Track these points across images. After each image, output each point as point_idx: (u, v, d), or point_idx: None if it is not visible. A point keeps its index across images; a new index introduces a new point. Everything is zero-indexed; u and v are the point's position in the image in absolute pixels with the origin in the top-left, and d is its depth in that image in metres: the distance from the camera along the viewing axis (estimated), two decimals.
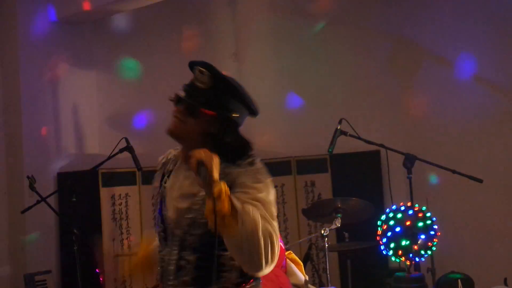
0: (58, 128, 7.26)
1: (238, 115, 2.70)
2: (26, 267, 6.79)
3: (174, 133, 2.71)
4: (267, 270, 2.54)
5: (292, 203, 7.10)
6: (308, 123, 7.20)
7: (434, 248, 5.07)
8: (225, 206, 2.41)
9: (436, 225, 5.08)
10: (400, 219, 5.07)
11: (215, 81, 2.67)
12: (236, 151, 2.69)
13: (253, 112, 2.78)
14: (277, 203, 6.91)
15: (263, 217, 2.49)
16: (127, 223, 6.95)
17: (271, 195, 2.62)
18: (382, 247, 5.14)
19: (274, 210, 2.59)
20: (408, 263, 4.99)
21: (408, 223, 5.03)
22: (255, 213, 2.47)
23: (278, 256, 2.56)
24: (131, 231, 6.96)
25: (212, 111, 2.66)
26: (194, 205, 2.65)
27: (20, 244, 6.90)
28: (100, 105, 7.60)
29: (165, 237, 2.76)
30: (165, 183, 2.81)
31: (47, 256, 6.96)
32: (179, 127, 2.69)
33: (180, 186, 2.73)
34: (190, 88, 2.69)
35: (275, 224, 2.55)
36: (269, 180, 2.65)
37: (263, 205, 2.54)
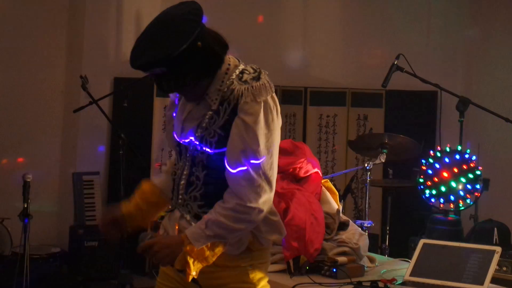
0: (120, 33, 7.29)
1: (199, 43, 2.60)
2: (76, 166, 6.94)
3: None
4: (261, 202, 2.62)
5: (342, 135, 7.08)
6: (367, 57, 7.12)
7: (469, 202, 4.98)
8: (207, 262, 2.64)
9: (480, 182, 4.97)
10: (446, 163, 4.99)
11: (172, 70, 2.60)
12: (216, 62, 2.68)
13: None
14: (328, 133, 6.92)
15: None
16: None
17: (269, 114, 2.63)
18: (422, 187, 5.10)
19: (263, 133, 2.61)
20: (449, 206, 4.94)
21: (455, 169, 4.94)
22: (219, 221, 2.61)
23: (265, 189, 2.61)
24: None
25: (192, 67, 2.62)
26: (202, 123, 2.68)
27: (72, 143, 7.04)
28: None
29: (179, 152, 2.81)
30: (179, 100, 2.85)
31: (97, 157, 7.09)
32: (196, 96, 2.71)
33: (189, 110, 2.75)
34: (159, 78, 2.63)
35: (261, 149, 2.60)
36: (269, 98, 2.64)
37: (250, 137, 2.59)
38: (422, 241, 3.71)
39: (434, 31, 6.98)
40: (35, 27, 6.92)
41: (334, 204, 4.23)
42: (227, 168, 2.63)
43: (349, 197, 5.99)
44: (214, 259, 2.66)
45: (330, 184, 4.32)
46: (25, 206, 5.17)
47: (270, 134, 2.62)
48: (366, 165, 5.15)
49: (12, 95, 6.79)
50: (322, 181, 4.26)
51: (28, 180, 5.23)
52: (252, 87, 2.62)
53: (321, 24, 7.59)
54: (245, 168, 2.59)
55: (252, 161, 2.59)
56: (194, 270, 2.62)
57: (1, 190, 5.90)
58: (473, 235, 5.02)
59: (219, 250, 2.66)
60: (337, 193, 4.39)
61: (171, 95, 2.92)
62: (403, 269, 3.78)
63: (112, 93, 6.71)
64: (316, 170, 4.11)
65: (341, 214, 4.28)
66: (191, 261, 2.61)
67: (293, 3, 7.73)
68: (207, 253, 2.64)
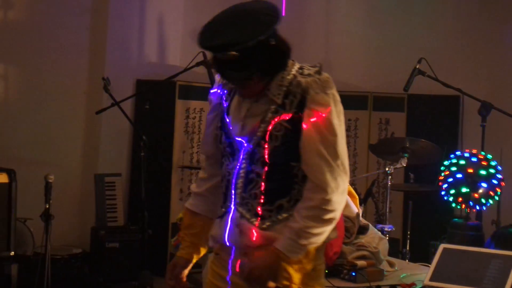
0: (142, 36, 7.33)
1: (273, 40, 2.65)
2: (97, 168, 6.97)
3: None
4: (341, 191, 2.67)
5: (364, 139, 7.06)
6: (389, 60, 7.10)
7: (496, 198, 4.97)
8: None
9: (501, 174, 4.96)
10: (462, 165, 4.98)
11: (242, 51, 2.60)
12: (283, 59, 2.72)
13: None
14: (349, 136, 6.92)
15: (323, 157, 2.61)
16: (199, 138, 7.03)
17: (337, 106, 2.68)
18: (443, 192, 5.08)
19: (337, 123, 2.65)
20: (468, 210, 4.92)
21: (470, 170, 4.93)
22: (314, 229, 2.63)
23: (343, 178, 2.66)
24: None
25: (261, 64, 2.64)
26: (266, 118, 2.68)
27: (94, 144, 7.07)
28: (185, 17, 7.61)
29: (231, 152, 2.79)
30: (228, 101, 2.84)
31: (119, 159, 7.12)
32: (254, 93, 2.72)
33: (247, 107, 2.75)
34: (228, 64, 2.63)
35: (339, 138, 2.65)
36: (334, 91, 2.69)
37: (326, 127, 2.63)
38: (442, 246, 3.70)
39: (456, 35, 6.95)
40: (58, 29, 6.95)
41: (354, 207, 4.23)
42: (304, 161, 2.64)
43: (370, 201, 5.98)
44: (311, 264, 2.69)
45: (350, 188, 4.31)
46: (47, 206, 5.19)
47: (340, 124, 2.66)
48: (387, 169, 5.15)
49: (35, 96, 6.83)
50: None
51: (50, 180, 5.25)
52: (319, 79, 2.67)
53: (343, 28, 7.58)
54: (325, 158, 2.61)
55: (330, 151, 2.62)
56: (297, 280, 2.66)
57: (23, 190, 5.92)
58: (495, 241, 4.99)
59: (312, 254, 2.69)
60: (357, 197, 4.40)
61: (212, 97, 2.92)
62: (423, 273, 3.78)
63: (134, 95, 6.75)
64: None
65: (361, 218, 4.28)
66: (293, 273, 2.64)
67: (315, 6, 7.73)
68: (304, 261, 2.67)
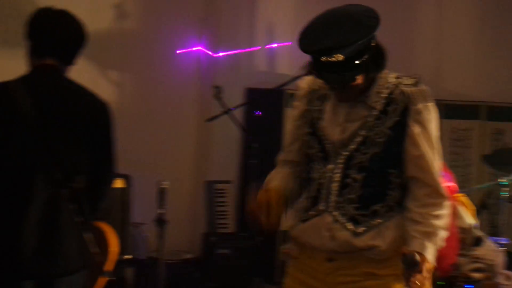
0: (252, 45, 7.39)
1: (374, 42, 2.70)
2: (208, 174, 7.07)
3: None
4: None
5: (476, 149, 6.92)
6: (503, 69, 6.93)
7: None
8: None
9: None
10: None
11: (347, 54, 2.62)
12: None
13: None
14: (460, 147, 6.80)
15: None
16: None
17: (437, 119, 2.75)
18: None
19: (436, 135, 2.74)
20: None
21: None
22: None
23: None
24: None
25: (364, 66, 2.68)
26: (366, 123, 2.71)
27: (205, 151, 7.18)
28: (296, 26, 7.63)
29: (324, 157, 2.79)
30: (319, 106, 2.86)
31: (228, 166, 7.20)
32: (351, 97, 2.76)
33: (345, 112, 2.77)
34: (332, 68, 2.64)
35: (436, 151, 2.74)
36: (433, 103, 2.75)
37: (428, 138, 2.71)
38: None
39: None
40: (171, 38, 7.11)
41: (468, 218, 4.15)
42: (409, 168, 2.70)
43: (485, 213, 5.85)
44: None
45: (466, 199, 4.25)
46: (161, 212, 5.30)
47: (437, 136, 2.75)
48: (503, 180, 5.02)
49: (148, 103, 6.99)
50: (459, 195, 4.19)
51: (164, 186, 5.36)
52: (422, 91, 2.73)
53: (454, 36, 7.44)
54: (429, 165, 2.69)
55: (434, 159, 2.71)
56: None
57: (138, 196, 6.07)
58: None
59: None
60: (474, 208, 4.31)
61: (298, 103, 2.95)
62: None
63: (245, 104, 6.81)
64: (450, 183, 4.06)
65: (476, 230, 4.20)
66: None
67: (426, 14, 7.62)
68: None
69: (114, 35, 6.76)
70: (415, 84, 2.72)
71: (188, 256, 6.42)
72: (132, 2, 6.98)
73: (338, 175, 2.74)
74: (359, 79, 2.67)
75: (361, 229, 2.70)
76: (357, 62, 2.62)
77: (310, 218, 2.82)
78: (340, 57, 2.57)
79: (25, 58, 3.21)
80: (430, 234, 2.65)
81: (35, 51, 3.06)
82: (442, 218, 2.69)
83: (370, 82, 2.73)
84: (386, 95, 2.71)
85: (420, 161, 2.68)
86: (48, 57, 3.04)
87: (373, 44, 2.66)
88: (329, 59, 2.58)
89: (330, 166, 2.77)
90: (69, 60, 3.10)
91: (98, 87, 3.22)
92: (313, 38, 2.65)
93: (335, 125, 2.77)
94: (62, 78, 3.09)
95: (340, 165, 2.75)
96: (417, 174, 2.69)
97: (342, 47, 2.57)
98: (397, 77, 2.77)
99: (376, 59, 2.71)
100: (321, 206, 2.78)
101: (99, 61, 6.51)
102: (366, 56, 2.64)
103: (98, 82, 6.53)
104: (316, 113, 2.85)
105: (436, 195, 2.69)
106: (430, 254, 2.64)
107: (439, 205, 2.69)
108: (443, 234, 2.70)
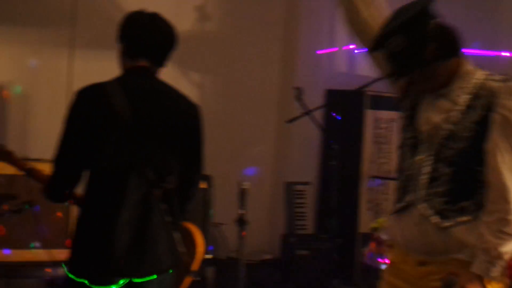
0: (332, 46, 7.39)
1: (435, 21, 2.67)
2: (287, 176, 7.09)
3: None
4: None
5: None
6: None
7: None
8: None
9: None
10: None
11: (408, 40, 2.62)
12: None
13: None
14: None
15: None
16: (388, 148, 6.98)
17: None
18: None
19: None
20: None
21: None
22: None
23: None
24: (390, 156, 6.97)
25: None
26: (451, 117, 2.68)
27: (284, 152, 7.20)
28: None
29: (414, 145, 2.78)
30: (413, 101, 2.84)
31: (308, 168, 7.20)
32: (425, 86, 2.74)
33: (427, 103, 2.76)
34: (396, 60, 2.65)
35: None
36: None
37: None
38: None
39: None
40: (251, 39, 7.16)
41: None
42: (489, 165, 2.61)
43: None
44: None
45: None
46: (241, 212, 5.34)
47: None
48: None
49: (229, 104, 7.07)
50: None
51: (245, 187, 5.39)
52: (510, 86, 2.65)
53: None
54: (508, 166, 2.60)
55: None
56: None
57: (219, 197, 6.13)
58: None
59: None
60: None
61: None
62: None
63: (326, 105, 6.80)
64: None
65: None
66: None
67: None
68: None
69: (195, 37, 6.85)
70: (504, 81, 2.66)
71: (267, 257, 6.45)
72: (214, 5, 7.06)
73: (427, 168, 2.71)
74: (432, 64, 2.65)
75: (445, 224, 2.66)
76: (421, 40, 2.61)
77: (400, 211, 2.80)
78: (400, 38, 2.59)
79: (111, 60, 3.28)
80: (490, 250, 2.56)
81: (128, 53, 3.10)
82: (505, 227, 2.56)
83: (450, 75, 2.70)
84: (471, 90, 2.67)
85: (491, 160, 2.61)
86: (141, 58, 3.07)
87: (432, 27, 2.63)
88: (391, 44, 2.61)
89: (419, 158, 2.75)
90: (160, 62, 3.14)
91: (179, 88, 3.25)
92: (377, 37, 2.69)
93: (425, 116, 2.76)
94: (155, 80, 3.14)
95: (429, 158, 2.72)
96: (487, 172, 2.63)
97: (398, 25, 2.60)
98: (486, 74, 2.72)
99: (443, 39, 2.66)
100: (410, 197, 2.76)
101: (180, 62, 6.59)
102: (429, 35, 2.62)
103: (180, 83, 6.59)
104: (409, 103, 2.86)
105: (500, 201, 2.58)
106: (489, 273, 2.57)
107: (502, 212, 2.57)
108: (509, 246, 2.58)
